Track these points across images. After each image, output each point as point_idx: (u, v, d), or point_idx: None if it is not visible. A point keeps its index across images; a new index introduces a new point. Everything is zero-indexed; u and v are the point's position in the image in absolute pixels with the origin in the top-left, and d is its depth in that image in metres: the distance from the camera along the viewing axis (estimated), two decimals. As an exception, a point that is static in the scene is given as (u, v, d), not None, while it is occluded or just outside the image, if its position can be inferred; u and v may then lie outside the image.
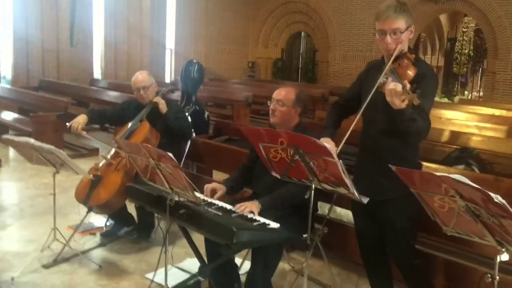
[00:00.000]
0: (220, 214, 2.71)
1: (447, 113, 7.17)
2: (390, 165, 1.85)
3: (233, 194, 3.29)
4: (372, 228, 2.60)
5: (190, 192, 2.63)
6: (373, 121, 2.51)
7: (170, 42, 13.05)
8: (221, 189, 3.10)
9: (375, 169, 2.51)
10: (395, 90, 2.09)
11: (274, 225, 2.61)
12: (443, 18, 14.03)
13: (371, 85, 2.40)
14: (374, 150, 2.57)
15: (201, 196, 2.83)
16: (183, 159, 4.40)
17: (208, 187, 3.06)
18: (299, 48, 14.59)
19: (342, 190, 2.19)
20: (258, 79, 14.34)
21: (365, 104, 2.35)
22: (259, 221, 2.64)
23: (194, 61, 5.85)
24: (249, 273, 2.92)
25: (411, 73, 2.29)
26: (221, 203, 2.85)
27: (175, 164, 2.53)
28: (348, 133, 2.31)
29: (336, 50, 12.92)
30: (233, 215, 2.70)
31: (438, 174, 1.61)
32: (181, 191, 2.71)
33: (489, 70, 11.19)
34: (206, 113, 5.81)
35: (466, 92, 14.95)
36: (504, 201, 1.40)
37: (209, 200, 2.87)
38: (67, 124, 3.99)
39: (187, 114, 4.72)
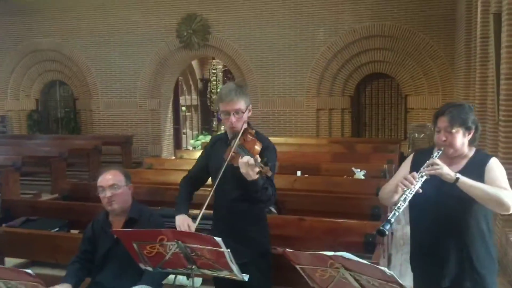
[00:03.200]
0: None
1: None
2: (279, 249, 2.13)
3: (79, 284, 3.11)
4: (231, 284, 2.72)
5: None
6: (224, 191, 2.75)
7: None
8: None
9: (231, 235, 2.72)
10: (249, 163, 2.41)
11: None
12: (194, 61, 15.22)
13: (219, 158, 2.69)
14: (227, 217, 2.82)
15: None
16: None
17: None
18: (55, 98, 13.80)
19: (224, 273, 2.36)
20: (13, 134, 13.01)
21: (218, 178, 2.61)
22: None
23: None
24: None
25: (258, 148, 2.64)
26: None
27: (36, 280, 2.31)
28: (204, 207, 2.59)
29: (98, 97, 12.71)
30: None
31: (328, 254, 1.96)
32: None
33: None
34: (-10, 193, 5.14)
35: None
36: (392, 273, 1.82)
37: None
38: None
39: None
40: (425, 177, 2.35)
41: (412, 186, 2.32)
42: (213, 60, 15.45)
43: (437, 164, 2.34)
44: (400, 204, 2.30)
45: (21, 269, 2.31)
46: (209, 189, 2.76)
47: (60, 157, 9.36)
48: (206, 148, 3.03)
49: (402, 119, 11.41)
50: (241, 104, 2.72)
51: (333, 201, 5.13)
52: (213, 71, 15.78)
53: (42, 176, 9.70)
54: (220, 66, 15.78)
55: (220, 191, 2.76)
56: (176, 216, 2.83)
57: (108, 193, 3.02)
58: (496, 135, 5.86)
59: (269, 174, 2.46)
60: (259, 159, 2.47)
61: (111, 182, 3.04)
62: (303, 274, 2.20)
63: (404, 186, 2.33)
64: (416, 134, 10.20)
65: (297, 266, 2.16)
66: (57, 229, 4.55)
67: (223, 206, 2.82)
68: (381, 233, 2.24)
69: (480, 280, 2.47)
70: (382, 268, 1.85)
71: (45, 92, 13.73)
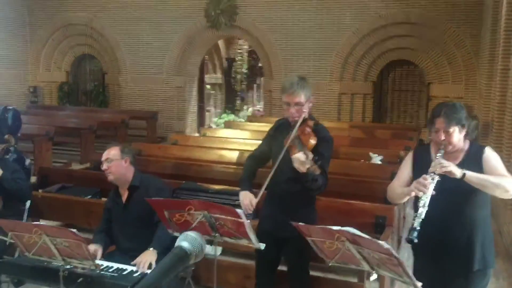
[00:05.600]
0: (118, 275, 2.91)
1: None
2: (292, 222, 2.41)
3: (106, 249, 3.50)
4: (273, 251, 3.17)
5: (91, 261, 2.77)
6: (282, 170, 3.04)
7: None
8: (99, 248, 3.31)
9: (281, 210, 3.09)
10: (300, 159, 2.70)
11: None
12: (220, 41, 15.43)
13: (280, 143, 3.00)
14: (282, 194, 3.13)
15: (100, 262, 2.96)
16: (24, 221, 4.22)
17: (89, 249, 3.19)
18: (85, 71, 14.22)
19: (243, 242, 2.67)
20: (44, 105, 13.51)
21: (278, 162, 2.92)
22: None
23: (10, 107, 5.49)
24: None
25: (313, 142, 2.94)
26: (116, 265, 3.02)
27: (80, 239, 2.64)
28: (265, 186, 2.93)
29: (126, 72, 13.07)
30: (134, 274, 2.92)
31: (335, 228, 2.24)
32: (76, 261, 2.81)
33: (266, 88, 12.86)
34: (28, 161, 5.52)
35: (245, 107, 16.72)
36: (388, 246, 2.09)
37: (104, 264, 3.01)
38: None
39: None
40: (437, 178, 2.51)
41: (427, 190, 2.48)
42: (239, 41, 15.64)
43: (445, 163, 2.53)
44: (421, 211, 2.46)
45: (66, 228, 2.64)
46: (269, 170, 3.07)
47: (90, 129, 9.78)
48: (270, 131, 3.34)
49: (424, 107, 11.48)
50: (302, 97, 3.01)
51: (349, 184, 5.38)
52: (239, 51, 15.98)
53: (72, 147, 10.16)
54: (246, 47, 15.98)
55: (279, 170, 3.05)
56: (240, 192, 3.16)
57: (104, 166, 3.46)
58: (512, 127, 5.99)
59: (317, 172, 2.76)
60: (310, 156, 2.77)
61: (106, 157, 3.47)
62: (313, 245, 2.48)
63: (420, 191, 2.50)
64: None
65: (308, 239, 2.44)
66: (90, 196, 4.92)
67: (279, 183, 3.12)
68: (411, 242, 2.42)
69: (483, 260, 2.70)
70: (381, 242, 2.11)
71: (75, 65, 14.14)
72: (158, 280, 1.19)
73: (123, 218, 3.48)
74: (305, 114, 3.05)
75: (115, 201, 3.57)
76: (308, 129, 2.97)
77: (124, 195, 3.51)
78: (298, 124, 2.96)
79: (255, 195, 3.04)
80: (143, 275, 2.90)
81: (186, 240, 1.30)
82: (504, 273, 4.92)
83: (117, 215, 3.54)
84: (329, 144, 3.11)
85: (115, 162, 3.43)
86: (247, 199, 3.04)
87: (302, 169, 2.76)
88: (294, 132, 2.91)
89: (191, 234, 1.32)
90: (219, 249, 4.65)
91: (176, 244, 1.31)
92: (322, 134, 3.05)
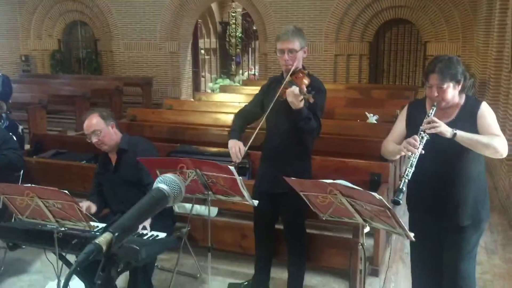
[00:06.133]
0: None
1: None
2: (284, 177, 2.40)
3: (100, 211, 3.51)
4: (270, 210, 3.19)
5: (85, 223, 2.76)
6: (276, 125, 3.05)
7: None
8: (93, 205, 3.35)
9: (275, 166, 3.09)
10: (294, 92, 2.68)
11: (162, 235, 2.96)
12: (213, 4, 15.14)
13: (273, 95, 2.96)
14: (276, 150, 3.13)
15: (94, 224, 2.96)
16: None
17: (83, 207, 3.20)
18: (77, 38, 13.99)
19: (236, 199, 2.66)
20: (37, 74, 13.35)
21: (269, 110, 2.91)
22: (152, 235, 2.93)
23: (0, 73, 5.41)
24: (130, 280, 3.23)
25: (306, 81, 2.91)
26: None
27: (71, 200, 2.63)
28: (256, 131, 2.90)
29: (119, 39, 12.86)
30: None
31: (327, 181, 2.22)
32: (70, 223, 2.81)
33: (261, 52, 12.70)
34: (20, 128, 5.50)
35: (240, 71, 16.55)
36: (381, 197, 2.08)
37: (97, 224, 3.01)
38: None
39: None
40: (426, 138, 2.49)
41: (416, 150, 2.45)
42: (233, 3, 15.34)
43: (435, 122, 2.49)
44: (408, 171, 2.45)
45: (58, 190, 2.62)
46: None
47: (84, 96, 9.69)
48: (263, 86, 3.32)
49: (421, 66, 11.37)
50: (296, 44, 2.97)
51: (344, 143, 5.37)
52: (233, 14, 15.69)
53: (67, 114, 10.09)
54: (240, 10, 15.68)
55: (273, 124, 3.07)
56: (229, 141, 3.11)
57: (94, 139, 3.35)
58: (508, 83, 5.94)
59: (311, 100, 2.72)
60: (304, 89, 2.74)
61: (92, 129, 3.34)
62: (306, 200, 2.47)
63: (408, 151, 2.47)
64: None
65: (301, 193, 2.43)
66: (84, 161, 4.90)
67: (273, 139, 3.13)
68: (396, 203, 2.40)
69: (476, 214, 2.70)
70: (373, 193, 2.10)
71: (67, 33, 13.90)
72: (134, 222, 1.17)
73: (114, 182, 3.49)
74: (299, 64, 3.01)
75: (105, 166, 3.56)
76: (301, 74, 2.94)
77: (113, 159, 3.50)
78: (291, 71, 2.92)
79: (244, 143, 3.02)
80: (138, 235, 2.91)
81: (164, 182, 1.27)
82: (499, 227, 4.97)
83: (107, 179, 3.54)
84: (322, 94, 3.08)
85: (104, 131, 3.34)
86: (236, 147, 2.99)
87: (296, 103, 2.72)
88: (287, 79, 2.89)
89: (169, 176, 1.29)
90: (215, 210, 4.69)
91: (154, 186, 1.29)
92: (316, 84, 3.02)
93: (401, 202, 2.41)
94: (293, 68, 2.94)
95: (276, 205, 3.24)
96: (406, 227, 2.23)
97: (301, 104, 2.73)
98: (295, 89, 2.71)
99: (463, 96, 2.67)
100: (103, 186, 3.58)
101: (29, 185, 2.73)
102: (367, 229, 2.42)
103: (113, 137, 3.41)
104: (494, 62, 7.22)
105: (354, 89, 9.62)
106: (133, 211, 1.18)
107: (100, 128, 3.33)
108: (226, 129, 6.10)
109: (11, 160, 3.93)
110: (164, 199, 1.23)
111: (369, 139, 5.41)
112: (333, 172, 4.39)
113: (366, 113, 6.75)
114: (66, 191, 2.60)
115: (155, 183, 1.29)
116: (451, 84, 2.56)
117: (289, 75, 2.92)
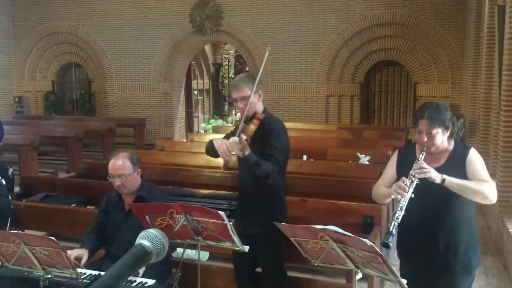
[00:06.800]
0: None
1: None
2: (275, 223, 2.37)
3: (95, 252, 3.43)
4: (248, 252, 3.11)
5: (71, 270, 2.70)
6: (244, 165, 3.05)
7: None
8: (85, 254, 3.24)
9: (247, 207, 3.11)
10: (234, 141, 2.75)
11: (150, 282, 2.89)
12: (207, 46, 15.39)
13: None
14: (245, 190, 3.15)
15: (82, 271, 2.89)
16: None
17: (72, 254, 3.12)
18: (71, 79, 14.10)
19: (227, 244, 2.62)
20: (30, 115, 13.37)
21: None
22: (140, 282, 2.86)
23: (-9, 116, 5.41)
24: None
25: (253, 127, 2.92)
26: (96, 272, 2.95)
27: (58, 246, 2.58)
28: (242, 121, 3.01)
29: (113, 80, 12.98)
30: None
31: (318, 227, 2.20)
32: (57, 270, 2.74)
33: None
34: (10, 170, 5.43)
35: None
36: (372, 243, 2.05)
37: (85, 271, 2.94)
38: None
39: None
40: (415, 182, 2.50)
41: (406, 193, 2.47)
42: (226, 45, 15.61)
43: (425, 168, 2.51)
44: (398, 214, 2.46)
45: (45, 236, 2.57)
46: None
47: (76, 137, 9.69)
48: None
49: (411, 107, 11.51)
50: (245, 91, 2.99)
51: (336, 185, 5.36)
52: (226, 56, 15.94)
53: (59, 156, 10.06)
54: (233, 51, 15.95)
55: (242, 164, 3.11)
56: (214, 141, 2.99)
57: (117, 182, 3.27)
58: (497, 124, 6.01)
59: (246, 151, 2.78)
60: (244, 138, 2.78)
61: (119, 172, 3.25)
62: (297, 245, 2.44)
63: (398, 195, 2.49)
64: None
65: (292, 238, 2.40)
66: (74, 205, 4.84)
67: (242, 180, 3.19)
68: (386, 246, 2.39)
69: (467, 262, 2.68)
70: (364, 239, 2.08)
71: (61, 74, 14.03)
72: (114, 281, 1.14)
73: (123, 224, 3.36)
74: (255, 108, 3.04)
75: (116, 205, 3.43)
76: (255, 120, 2.96)
77: (127, 201, 3.38)
78: (243, 119, 3.00)
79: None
80: (126, 282, 2.84)
81: (146, 238, 1.25)
82: (494, 270, 4.91)
83: (116, 220, 3.41)
84: (276, 133, 3.05)
85: (129, 177, 3.24)
86: (223, 145, 2.86)
87: (236, 151, 2.77)
88: (240, 125, 2.94)
89: (152, 231, 1.26)
90: (206, 254, 4.62)
91: (136, 242, 1.26)
92: (271, 125, 3.04)
93: (390, 245, 2.39)
94: (245, 114, 2.97)
95: (253, 246, 3.18)
96: (398, 273, 2.20)
97: (246, 152, 2.78)
98: (234, 138, 2.78)
99: (452, 142, 2.70)
100: (107, 226, 3.44)
101: (16, 231, 2.68)
102: (359, 276, 2.38)
103: (136, 183, 3.32)
104: (483, 103, 7.33)
105: (345, 129, 9.70)
106: (114, 270, 1.15)
107: (127, 173, 3.23)
108: (219, 170, 6.10)
109: (1, 204, 3.85)
110: (146, 256, 1.21)
111: (362, 180, 5.41)
112: (325, 214, 4.36)
113: (358, 153, 6.77)
114: (53, 238, 2.55)
115: (138, 238, 1.26)
116: (440, 130, 2.59)
117: (242, 121, 3.00)
